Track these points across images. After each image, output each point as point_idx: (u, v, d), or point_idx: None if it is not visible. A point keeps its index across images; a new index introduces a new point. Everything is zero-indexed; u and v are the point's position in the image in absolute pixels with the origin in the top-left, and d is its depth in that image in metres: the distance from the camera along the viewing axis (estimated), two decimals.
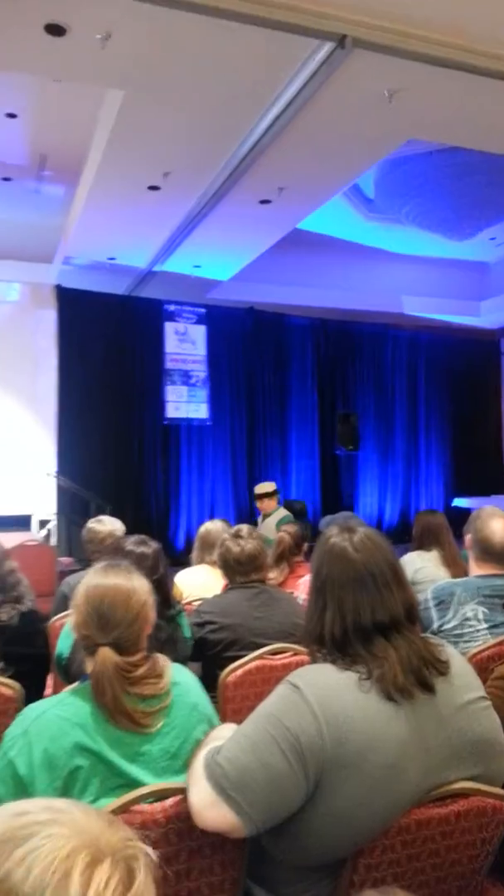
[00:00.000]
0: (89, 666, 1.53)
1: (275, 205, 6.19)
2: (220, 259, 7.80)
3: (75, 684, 1.58)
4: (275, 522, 5.78)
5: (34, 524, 7.74)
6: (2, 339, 8.08)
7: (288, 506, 6.96)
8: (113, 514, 3.58)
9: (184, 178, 5.71)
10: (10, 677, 2.14)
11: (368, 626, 1.41)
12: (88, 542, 3.11)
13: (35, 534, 7.48)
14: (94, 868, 0.64)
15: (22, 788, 1.37)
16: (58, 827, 0.67)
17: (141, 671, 1.50)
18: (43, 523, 7.86)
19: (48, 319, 8.32)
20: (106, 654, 1.48)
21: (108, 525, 3.13)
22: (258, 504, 6.20)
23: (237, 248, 7.42)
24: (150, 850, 0.72)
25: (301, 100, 4.41)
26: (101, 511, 5.61)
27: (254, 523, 5.86)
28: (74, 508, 7.79)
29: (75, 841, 0.66)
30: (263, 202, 6.15)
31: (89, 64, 4.08)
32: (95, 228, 6.76)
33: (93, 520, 3.23)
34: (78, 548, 6.89)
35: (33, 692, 2.17)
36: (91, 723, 1.43)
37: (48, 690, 2.56)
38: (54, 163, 6.41)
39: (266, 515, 6.07)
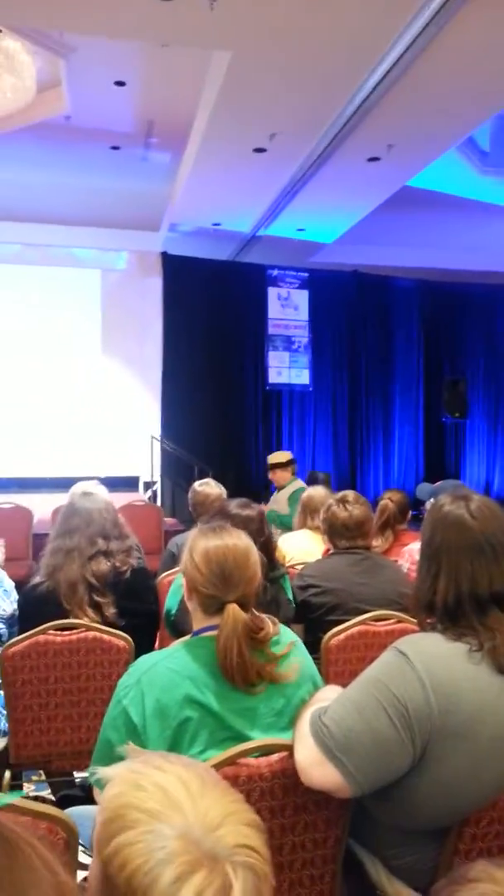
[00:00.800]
0: (198, 623, 1.58)
1: (383, 162, 5.99)
2: (325, 221, 7.65)
3: (184, 639, 1.63)
4: (287, 496, 5.39)
5: (140, 486, 8.02)
6: (110, 306, 8.32)
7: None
8: (214, 479, 3.65)
9: (290, 139, 5.61)
10: (121, 629, 2.24)
11: (485, 596, 1.38)
12: (195, 504, 3.19)
13: (141, 495, 7.75)
14: (186, 879, 0.62)
15: (135, 735, 1.43)
16: (163, 824, 0.66)
17: (266, 630, 1.54)
18: (148, 485, 8.13)
19: (154, 287, 8.47)
20: (235, 610, 1.51)
21: (214, 488, 3.20)
22: (270, 475, 5.70)
23: (343, 210, 7.26)
24: (264, 860, 0.67)
25: (414, 51, 4.21)
26: (203, 475, 5.72)
27: (295, 494, 5.19)
28: (177, 472, 8.00)
29: (176, 843, 0.64)
30: (372, 160, 5.96)
31: (197, 27, 4.06)
32: (201, 194, 6.79)
33: (199, 482, 3.31)
34: (181, 509, 7.10)
35: (143, 646, 2.27)
36: (200, 676, 1.48)
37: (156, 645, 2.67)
38: (161, 130, 6.45)
39: (280, 488, 5.59)
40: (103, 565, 2.28)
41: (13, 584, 2.41)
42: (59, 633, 2.20)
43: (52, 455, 7.77)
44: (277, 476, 5.58)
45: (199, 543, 1.60)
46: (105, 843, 0.66)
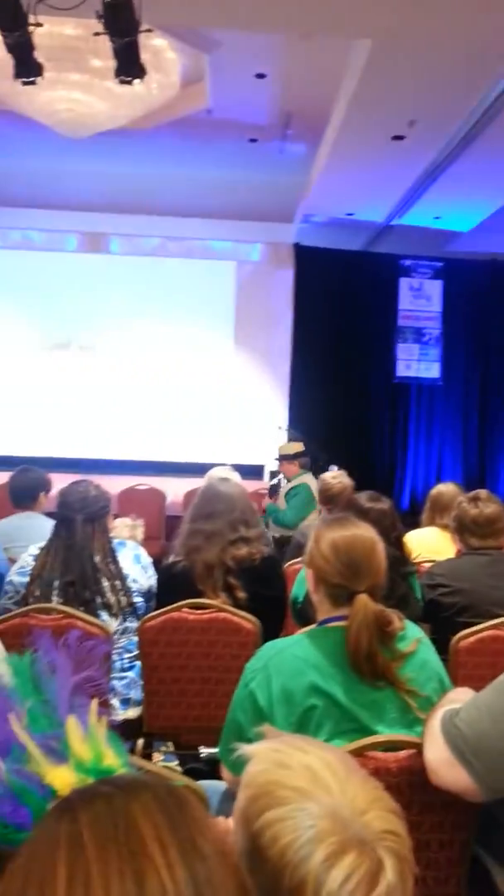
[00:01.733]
0: (324, 613, 1.60)
1: None
2: (463, 209, 7.38)
3: (309, 628, 1.66)
4: (286, 490, 5.09)
5: (265, 474, 8.14)
6: (243, 298, 8.47)
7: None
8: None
9: (430, 126, 5.46)
10: (250, 613, 2.31)
11: None
12: (322, 494, 3.21)
13: (265, 483, 7.86)
14: (336, 860, 0.63)
15: (262, 718, 1.47)
16: (312, 803, 0.67)
17: (394, 625, 1.54)
18: (273, 474, 8.22)
19: (286, 278, 8.53)
20: (366, 600, 1.52)
21: (342, 479, 3.21)
22: (279, 466, 5.42)
23: (483, 196, 6.98)
24: (407, 848, 0.68)
25: None
26: (327, 466, 5.72)
27: (293, 490, 5.03)
28: (302, 462, 8.03)
29: (325, 823, 0.65)
30: None
31: (339, 16, 4.04)
32: (336, 183, 6.75)
33: (330, 474, 3.33)
34: None
35: (269, 631, 2.32)
36: (325, 666, 1.50)
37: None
38: (298, 120, 6.46)
39: (289, 481, 5.27)
40: (242, 551, 2.35)
41: (151, 560, 2.53)
42: (192, 611, 2.30)
43: (183, 441, 8.06)
44: (284, 468, 5.32)
45: (325, 534, 1.62)
46: (253, 818, 0.70)
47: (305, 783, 0.70)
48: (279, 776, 0.72)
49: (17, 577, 2.40)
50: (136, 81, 3.89)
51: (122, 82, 3.85)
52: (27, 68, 3.68)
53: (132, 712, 2.40)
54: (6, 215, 7.97)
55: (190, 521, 2.47)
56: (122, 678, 2.41)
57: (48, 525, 2.81)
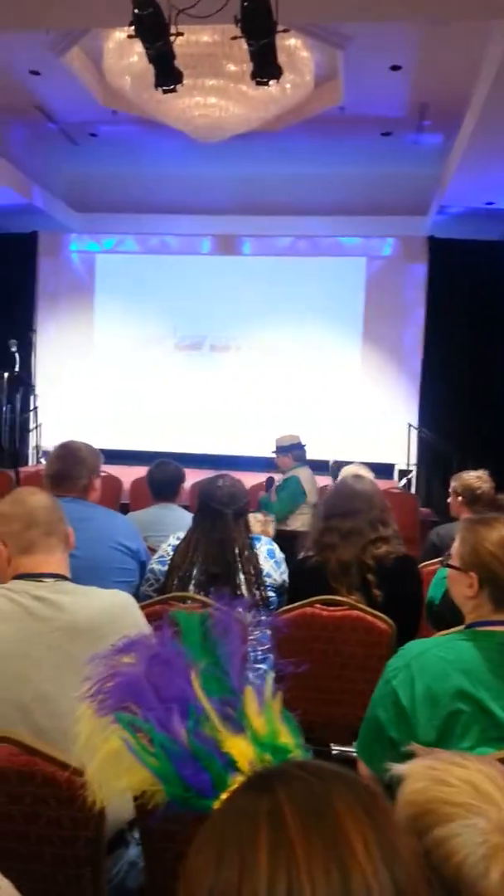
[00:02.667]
0: (483, 616, 1.55)
1: None
2: None
3: (457, 629, 1.60)
4: (278, 483, 4.88)
5: (395, 473, 7.99)
6: (373, 293, 8.36)
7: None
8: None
9: None
10: (384, 613, 2.27)
11: None
12: (462, 494, 3.11)
13: (396, 482, 7.72)
14: None
15: (403, 718, 1.44)
16: (479, 817, 0.67)
17: None
18: (403, 473, 8.06)
19: (418, 272, 8.33)
20: None
21: (486, 480, 3.10)
22: (276, 460, 5.20)
23: None
24: None
25: None
26: (463, 466, 5.52)
27: (283, 483, 4.89)
28: (434, 461, 7.81)
29: (497, 837, 0.65)
30: None
31: None
32: (477, 172, 6.48)
33: (467, 473, 3.22)
34: (436, 500, 6.93)
35: (404, 632, 2.27)
36: (477, 671, 1.45)
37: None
38: (434, 111, 6.28)
39: (283, 474, 5.06)
40: (381, 550, 2.32)
41: (283, 556, 2.55)
42: (325, 607, 2.30)
43: (311, 437, 8.07)
44: (278, 461, 5.15)
45: (488, 534, 1.56)
46: (419, 836, 0.69)
47: (470, 798, 0.69)
48: (441, 793, 0.71)
49: (158, 565, 2.50)
50: (272, 82, 3.93)
51: (259, 84, 3.90)
52: (168, 77, 3.82)
53: None
54: (145, 222, 8.32)
55: (324, 519, 2.46)
56: (254, 670, 2.45)
57: (185, 517, 2.90)
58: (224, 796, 0.60)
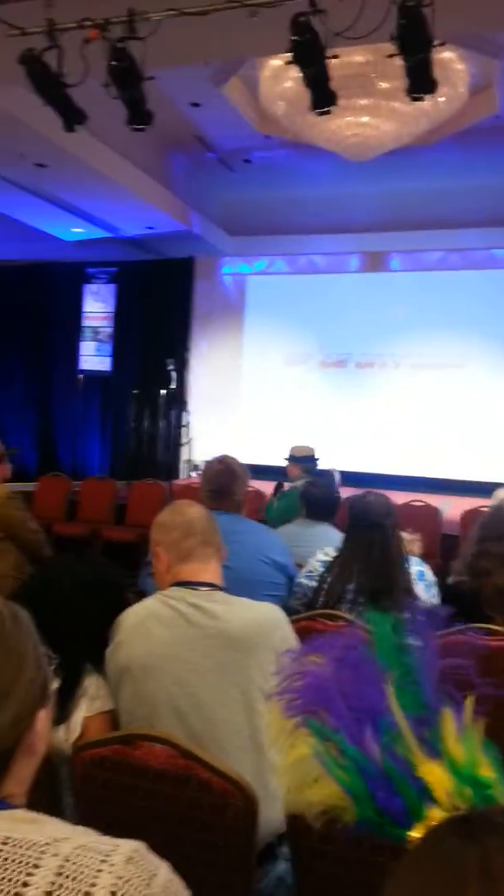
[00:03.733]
0: None
1: None
2: None
3: None
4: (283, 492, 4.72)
5: None
6: None
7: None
8: None
9: None
10: None
11: None
12: None
13: None
14: None
15: None
16: None
17: None
18: None
19: None
20: None
21: None
22: (287, 468, 5.16)
23: None
24: None
25: None
26: None
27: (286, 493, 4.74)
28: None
29: None
30: None
31: None
32: None
33: None
34: None
35: None
36: None
37: None
38: None
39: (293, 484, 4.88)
40: None
41: (434, 579, 2.48)
42: (478, 636, 2.19)
43: (459, 458, 7.79)
44: (288, 469, 5.14)
45: None
46: None
47: None
48: None
49: (306, 580, 2.51)
50: (426, 97, 3.88)
51: (414, 100, 3.86)
52: (323, 99, 3.87)
53: None
54: (295, 243, 8.46)
55: (478, 542, 2.35)
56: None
57: (329, 531, 2.89)
58: (421, 832, 0.57)
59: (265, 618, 1.69)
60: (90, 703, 1.61)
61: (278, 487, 5.06)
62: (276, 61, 5.31)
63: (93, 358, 9.66)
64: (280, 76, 5.45)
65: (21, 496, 4.11)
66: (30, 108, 4.87)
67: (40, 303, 9.85)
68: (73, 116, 4.13)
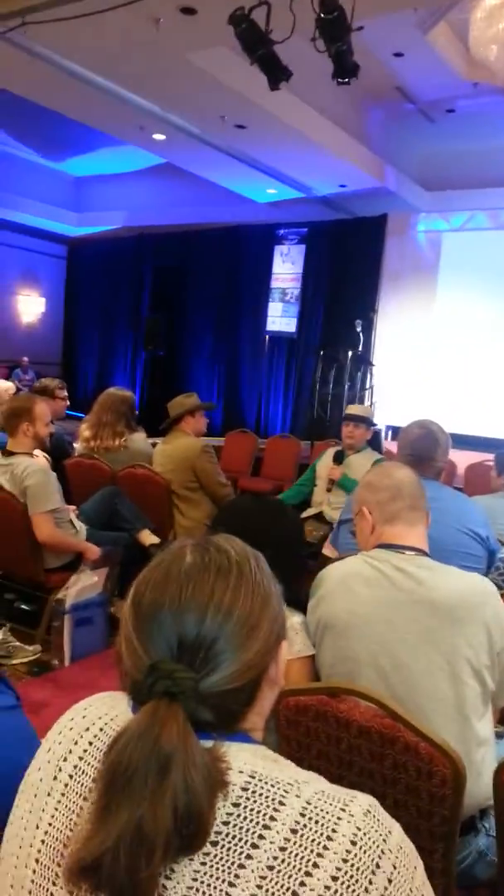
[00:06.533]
0: None
1: None
2: None
3: None
4: (365, 463, 3.94)
5: None
6: None
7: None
8: None
9: None
10: None
11: None
12: None
13: None
14: None
15: None
16: None
17: None
18: None
19: None
20: None
21: None
22: (345, 430, 4.33)
23: None
24: None
25: None
26: None
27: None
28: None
29: None
30: None
31: None
32: None
33: None
34: None
35: None
36: None
37: None
38: None
39: (357, 451, 4.29)
40: None
41: None
42: None
43: None
44: (354, 434, 4.31)
45: None
46: None
47: None
48: None
49: None
50: None
51: None
52: None
53: None
54: (497, 195, 7.91)
55: None
56: None
57: None
58: None
59: (473, 589, 1.62)
60: (289, 646, 1.65)
61: (339, 455, 4.40)
62: (492, 0, 4.93)
63: (280, 319, 9.78)
64: (495, 17, 5.06)
65: (214, 451, 4.30)
66: (231, 70, 4.94)
67: (232, 264, 10.12)
68: (279, 74, 4.11)
